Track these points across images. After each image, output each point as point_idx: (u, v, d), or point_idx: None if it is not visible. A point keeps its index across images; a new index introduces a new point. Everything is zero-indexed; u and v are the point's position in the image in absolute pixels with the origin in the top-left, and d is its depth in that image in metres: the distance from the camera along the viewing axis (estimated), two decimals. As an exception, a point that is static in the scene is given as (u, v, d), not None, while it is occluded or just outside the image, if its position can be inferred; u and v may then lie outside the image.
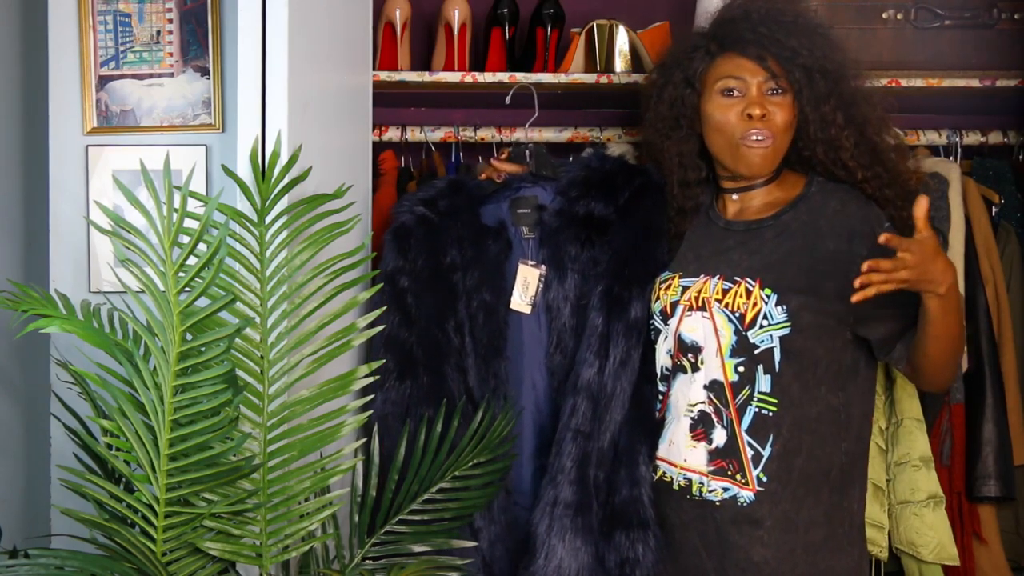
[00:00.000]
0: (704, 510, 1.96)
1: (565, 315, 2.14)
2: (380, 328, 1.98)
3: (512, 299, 2.17)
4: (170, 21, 2.20)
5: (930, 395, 2.31)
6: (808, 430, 1.91)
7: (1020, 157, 2.62)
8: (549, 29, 2.61)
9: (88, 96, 2.19)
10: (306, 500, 1.81)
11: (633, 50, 2.57)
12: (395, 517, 1.91)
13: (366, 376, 1.83)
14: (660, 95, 2.10)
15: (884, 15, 2.47)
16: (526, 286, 2.16)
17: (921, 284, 1.72)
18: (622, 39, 2.56)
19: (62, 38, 2.20)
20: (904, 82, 2.47)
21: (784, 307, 1.91)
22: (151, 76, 2.21)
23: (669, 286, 2.04)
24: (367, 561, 1.88)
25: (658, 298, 2.06)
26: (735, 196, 2.04)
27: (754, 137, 1.96)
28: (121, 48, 2.20)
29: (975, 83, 2.47)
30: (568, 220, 2.16)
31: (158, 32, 2.20)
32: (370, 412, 2.01)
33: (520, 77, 2.51)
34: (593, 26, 2.58)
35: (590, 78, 2.51)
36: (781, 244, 1.96)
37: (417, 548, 1.90)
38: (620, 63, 2.56)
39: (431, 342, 2.11)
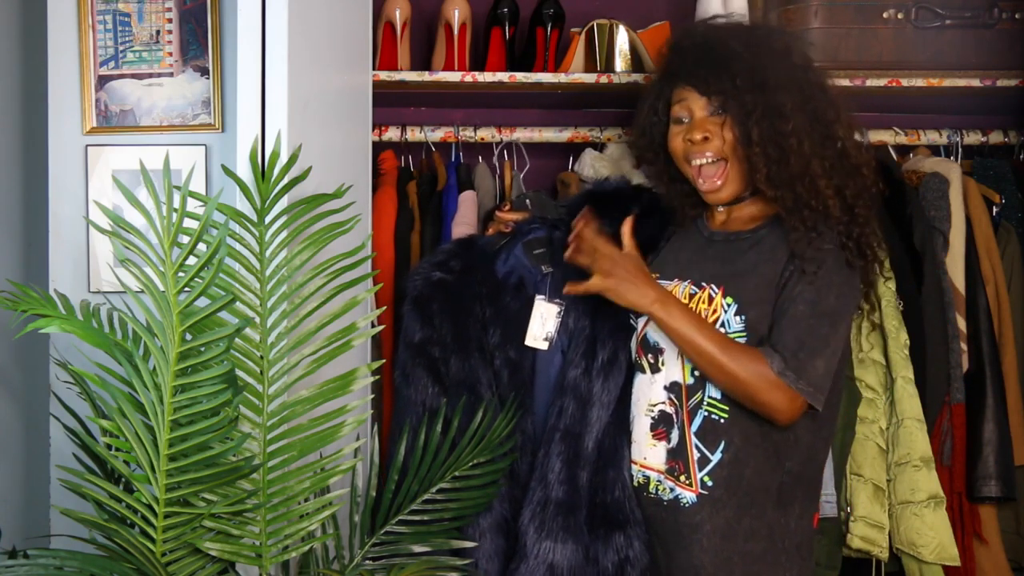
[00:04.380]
0: (658, 509, 1.99)
1: (584, 338, 2.11)
2: (380, 328, 1.99)
3: (528, 334, 2.15)
4: (170, 21, 2.20)
5: (931, 395, 2.31)
6: (755, 443, 1.92)
7: (1021, 157, 2.62)
8: (549, 29, 2.61)
9: (88, 96, 2.19)
10: (306, 500, 1.81)
11: (633, 50, 2.57)
12: (395, 517, 1.91)
13: (366, 376, 1.83)
14: (638, 122, 2.13)
15: (884, 15, 2.47)
16: (543, 322, 2.15)
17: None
18: (622, 39, 2.56)
19: (61, 38, 2.19)
20: (904, 82, 2.47)
21: (743, 317, 1.91)
22: (151, 76, 2.20)
23: None
24: (367, 561, 1.88)
25: None
26: (720, 208, 2.05)
27: (697, 161, 1.99)
28: (121, 48, 2.20)
29: (975, 83, 2.47)
30: None
31: (157, 32, 2.20)
32: (371, 412, 2.01)
33: (520, 77, 2.51)
34: (593, 26, 2.58)
35: (590, 78, 2.51)
36: (750, 256, 1.96)
37: (417, 548, 1.90)
38: (620, 63, 2.56)
39: (463, 408, 2.09)
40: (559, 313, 2.14)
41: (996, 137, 2.61)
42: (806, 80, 1.96)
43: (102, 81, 2.20)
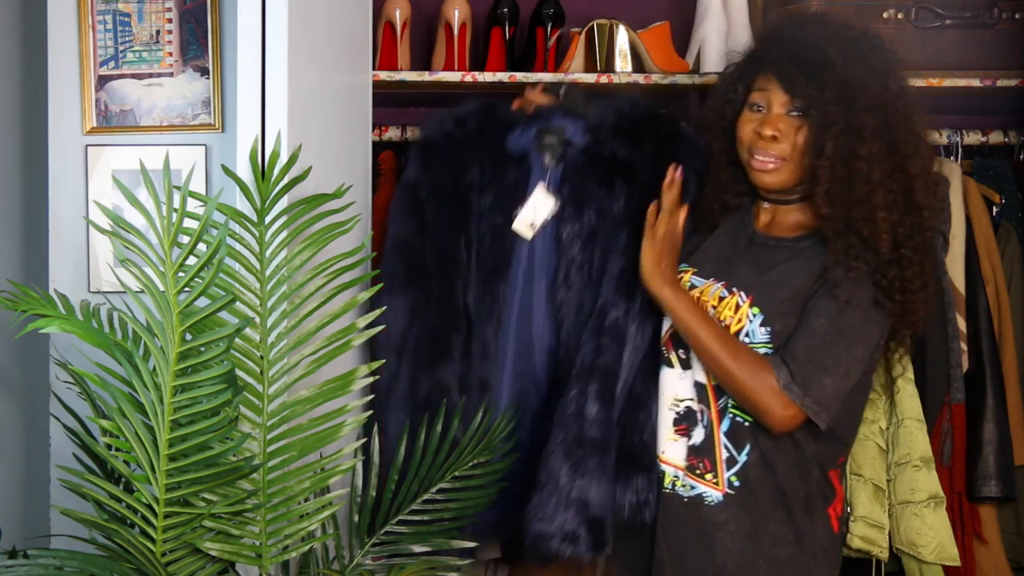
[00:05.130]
0: (672, 503, 1.97)
1: (575, 251, 2.13)
2: (380, 328, 1.98)
3: (517, 218, 2.15)
4: (170, 21, 2.20)
5: (931, 395, 2.31)
6: (783, 449, 1.91)
7: (1021, 157, 2.62)
8: (549, 29, 2.61)
9: (88, 96, 2.19)
10: (306, 500, 1.81)
11: (633, 50, 2.56)
12: (395, 517, 1.91)
13: (366, 376, 1.83)
14: (713, 96, 2.10)
15: (884, 15, 2.47)
16: (535, 211, 2.14)
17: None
18: (622, 39, 2.56)
19: (61, 38, 2.20)
20: (904, 82, 2.46)
21: (768, 329, 1.90)
22: (151, 76, 2.20)
23: (680, 279, 2.04)
24: (367, 561, 1.88)
25: None
26: (767, 204, 2.02)
27: (759, 156, 1.95)
28: (121, 48, 2.20)
29: (975, 83, 2.47)
30: (593, 160, 2.14)
31: (158, 32, 2.20)
32: (371, 412, 2.00)
33: (520, 77, 2.51)
34: (593, 26, 2.58)
35: (590, 78, 2.51)
36: (787, 267, 1.94)
37: (417, 548, 1.90)
38: (620, 63, 2.56)
39: (444, 253, 2.12)
40: (555, 207, 2.15)
41: (996, 137, 2.60)
42: (894, 106, 1.90)
43: (102, 81, 2.20)
